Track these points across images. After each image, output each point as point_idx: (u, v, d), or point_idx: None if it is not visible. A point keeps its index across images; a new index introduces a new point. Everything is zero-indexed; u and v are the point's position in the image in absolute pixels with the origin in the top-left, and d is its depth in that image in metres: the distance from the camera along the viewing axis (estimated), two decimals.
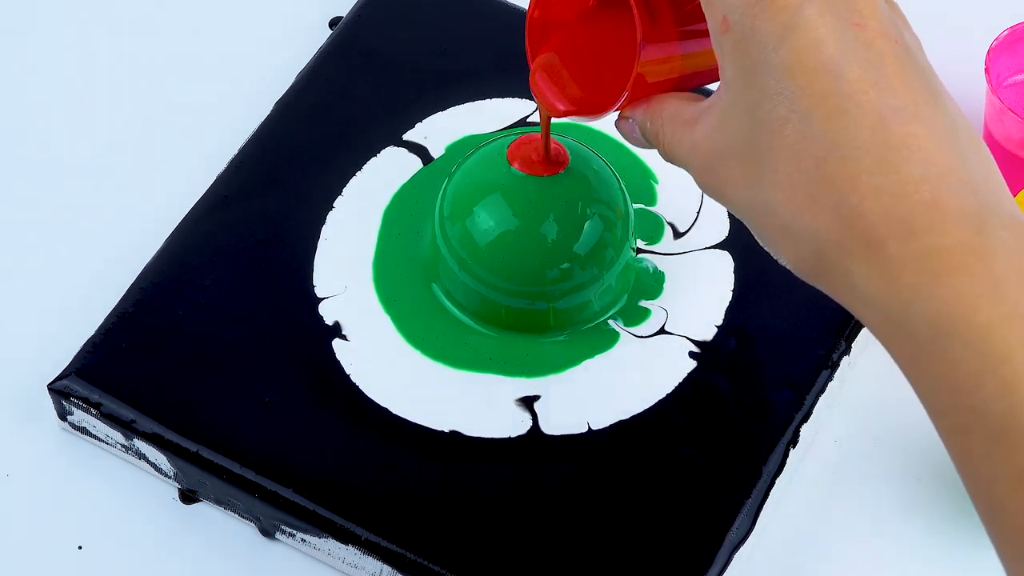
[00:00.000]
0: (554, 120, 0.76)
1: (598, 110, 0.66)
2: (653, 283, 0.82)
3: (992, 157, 0.59)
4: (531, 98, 0.87)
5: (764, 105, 0.58)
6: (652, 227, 0.83)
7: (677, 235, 0.83)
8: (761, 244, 0.61)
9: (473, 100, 0.88)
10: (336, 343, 0.80)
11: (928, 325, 0.55)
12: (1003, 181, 0.58)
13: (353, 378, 0.78)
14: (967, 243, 0.55)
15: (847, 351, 0.80)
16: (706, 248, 0.83)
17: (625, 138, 0.67)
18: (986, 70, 0.85)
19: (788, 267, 0.60)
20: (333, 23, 0.93)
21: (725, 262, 0.82)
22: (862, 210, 0.56)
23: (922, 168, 0.56)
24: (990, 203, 0.56)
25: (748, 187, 0.60)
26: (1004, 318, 0.54)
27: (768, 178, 0.58)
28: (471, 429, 0.77)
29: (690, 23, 0.63)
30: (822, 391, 0.79)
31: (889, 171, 0.56)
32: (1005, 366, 0.53)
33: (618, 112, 0.66)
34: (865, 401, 0.81)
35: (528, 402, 0.78)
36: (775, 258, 0.61)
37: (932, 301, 0.55)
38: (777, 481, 0.76)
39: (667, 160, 0.64)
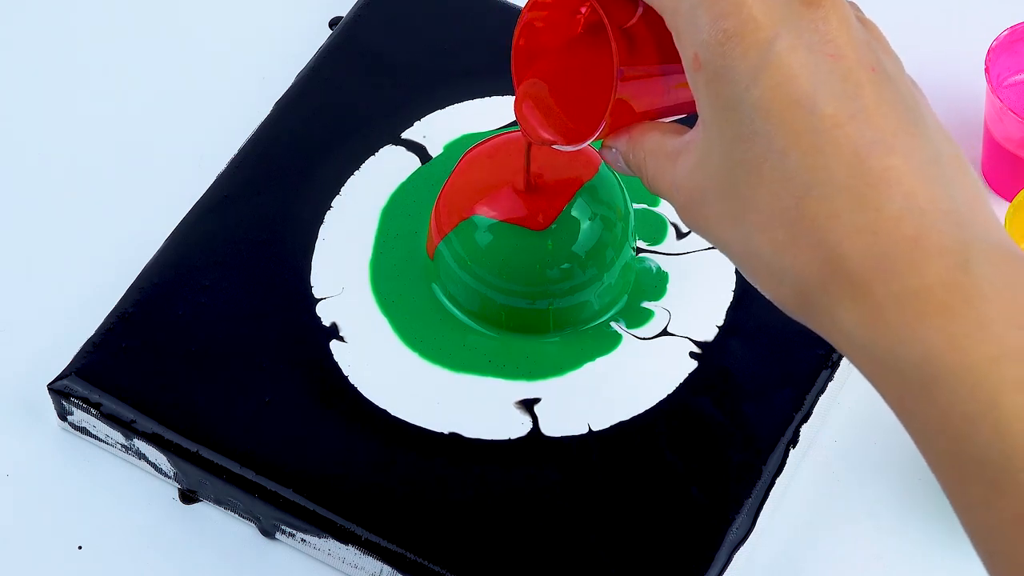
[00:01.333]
0: None
1: (579, 138, 0.66)
2: (656, 283, 0.82)
3: (979, 182, 0.57)
4: None
5: (741, 144, 0.57)
6: (655, 227, 0.83)
7: (680, 235, 0.83)
8: (749, 281, 0.60)
9: (472, 99, 0.88)
10: (334, 344, 0.79)
11: (915, 369, 0.53)
12: (989, 207, 0.57)
13: (351, 379, 0.78)
14: (951, 281, 0.53)
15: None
16: (709, 248, 0.83)
17: (611, 167, 0.66)
18: (986, 70, 0.85)
19: (776, 304, 0.59)
20: (333, 23, 0.93)
21: (727, 262, 0.82)
22: (843, 251, 0.55)
23: (902, 203, 0.55)
24: (975, 234, 0.55)
25: (729, 226, 0.58)
26: (991, 360, 0.52)
27: (749, 218, 0.57)
28: (471, 431, 0.77)
29: (672, 53, 0.62)
30: (822, 391, 0.79)
31: (868, 208, 0.55)
32: (996, 410, 0.52)
33: (602, 142, 0.66)
34: (865, 401, 0.81)
35: (528, 404, 0.78)
36: (764, 295, 0.60)
37: (917, 344, 0.53)
38: (777, 481, 0.76)
39: (651, 192, 0.63)
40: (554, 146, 0.67)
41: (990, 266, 0.54)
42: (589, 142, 0.65)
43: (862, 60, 0.57)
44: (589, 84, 0.66)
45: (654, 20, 0.61)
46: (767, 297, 0.59)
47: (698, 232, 0.61)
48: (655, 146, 0.63)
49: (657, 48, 0.62)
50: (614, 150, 0.65)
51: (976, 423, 0.52)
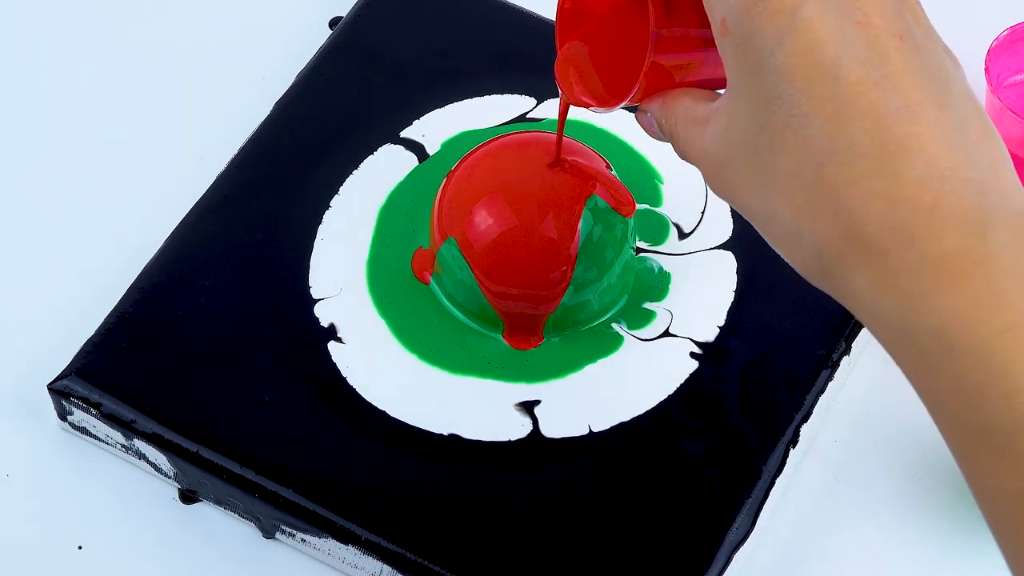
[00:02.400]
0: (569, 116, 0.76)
1: (615, 100, 0.66)
2: (659, 284, 0.81)
3: (1005, 152, 0.57)
4: (529, 95, 0.87)
5: (766, 109, 0.57)
6: (657, 228, 0.83)
7: (682, 235, 0.83)
8: (771, 247, 0.60)
9: (472, 97, 0.88)
10: (332, 346, 0.79)
11: (930, 337, 0.54)
12: (1014, 176, 0.57)
13: (350, 381, 0.78)
14: (968, 249, 0.53)
15: (847, 351, 0.80)
16: (711, 248, 0.83)
17: (645, 131, 0.66)
18: (986, 70, 0.85)
19: (796, 270, 0.60)
20: (333, 23, 0.93)
21: (729, 262, 0.82)
22: (861, 216, 0.55)
23: (923, 170, 0.55)
24: (997, 202, 0.55)
25: (753, 192, 0.59)
26: (1005, 328, 0.52)
27: (771, 183, 0.58)
28: (470, 432, 0.77)
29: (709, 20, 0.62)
30: (822, 391, 0.79)
31: (888, 175, 0.55)
32: (1007, 379, 0.52)
33: (638, 106, 0.66)
34: (865, 401, 0.81)
35: (528, 406, 0.78)
36: (786, 261, 0.60)
37: (933, 312, 0.53)
38: (777, 481, 0.76)
39: (682, 158, 0.64)
40: (591, 108, 0.68)
41: (1009, 234, 0.54)
42: (624, 104, 0.65)
43: (889, 27, 0.56)
44: (628, 48, 0.66)
45: None
46: (789, 262, 0.59)
47: (724, 198, 0.61)
48: (686, 111, 0.63)
49: (696, 15, 0.62)
50: (648, 115, 0.65)
51: (987, 392, 0.52)
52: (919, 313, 0.54)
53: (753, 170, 0.58)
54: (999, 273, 0.53)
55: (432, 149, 0.86)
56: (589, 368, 0.79)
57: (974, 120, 0.57)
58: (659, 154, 0.85)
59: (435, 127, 0.86)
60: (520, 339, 0.80)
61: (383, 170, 0.85)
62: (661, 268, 0.82)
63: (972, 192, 0.54)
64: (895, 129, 0.55)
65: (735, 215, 0.83)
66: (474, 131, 0.86)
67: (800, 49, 0.56)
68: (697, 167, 0.62)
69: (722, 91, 0.61)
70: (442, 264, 0.80)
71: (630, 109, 0.67)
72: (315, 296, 0.81)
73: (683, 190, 0.84)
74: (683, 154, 0.63)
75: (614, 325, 0.80)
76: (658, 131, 0.65)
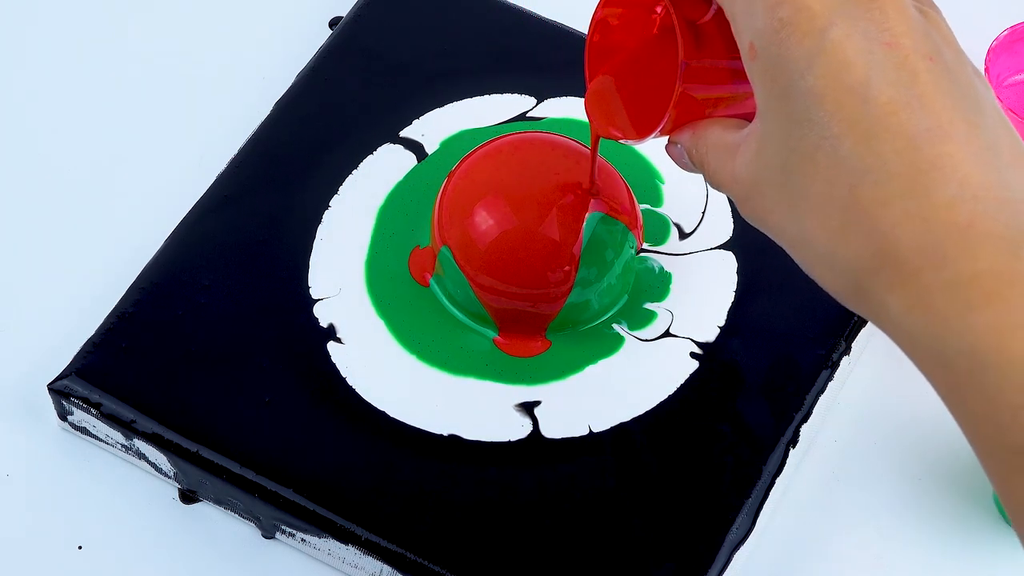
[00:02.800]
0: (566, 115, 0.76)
1: (645, 132, 0.66)
2: (659, 284, 0.81)
3: None
4: (529, 94, 0.87)
5: (796, 132, 0.57)
6: (658, 228, 0.83)
7: (683, 236, 0.83)
8: (805, 271, 0.60)
9: (472, 97, 0.87)
10: (331, 346, 0.79)
11: (964, 358, 0.53)
12: None
13: (349, 381, 0.78)
14: (1002, 269, 0.53)
15: (847, 351, 0.80)
16: (711, 248, 0.83)
17: (676, 163, 0.66)
18: (986, 70, 0.85)
19: (830, 293, 0.59)
20: (333, 23, 0.93)
21: (729, 262, 0.82)
22: (894, 237, 0.55)
23: (956, 189, 0.54)
24: None
25: (785, 216, 0.59)
26: None
27: (803, 206, 0.57)
28: (470, 433, 0.77)
29: (738, 51, 0.62)
30: (822, 391, 0.79)
31: (920, 195, 0.54)
32: None
33: (668, 138, 0.66)
34: (865, 401, 0.81)
35: (528, 407, 0.78)
36: (820, 285, 0.60)
37: (967, 333, 0.53)
38: (777, 481, 0.76)
39: (713, 187, 0.63)
40: (621, 140, 0.68)
41: None
42: (654, 135, 0.65)
43: (919, 48, 0.56)
44: (658, 81, 0.67)
45: (725, 20, 0.62)
46: (822, 286, 0.59)
47: (756, 223, 0.61)
48: (716, 140, 0.63)
49: (725, 46, 0.62)
50: (679, 146, 0.65)
51: (1021, 414, 0.52)
52: (953, 333, 0.54)
53: (785, 194, 0.58)
54: None
55: (431, 148, 0.86)
56: (589, 369, 0.79)
57: (1006, 140, 0.57)
58: (661, 154, 0.85)
59: (434, 126, 0.86)
60: (520, 344, 0.79)
61: (382, 170, 0.85)
62: (662, 268, 0.82)
63: (1006, 212, 0.54)
64: (927, 149, 0.55)
65: (735, 215, 0.83)
66: (473, 130, 0.86)
67: (829, 71, 0.56)
68: (729, 194, 0.62)
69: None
70: (443, 264, 0.80)
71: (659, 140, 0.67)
72: (314, 296, 0.81)
73: (684, 190, 0.84)
74: (714, 182, 0.63)
75: (615, 326, 0.80)
76: (688, 162, 0.65)
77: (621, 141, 0.68)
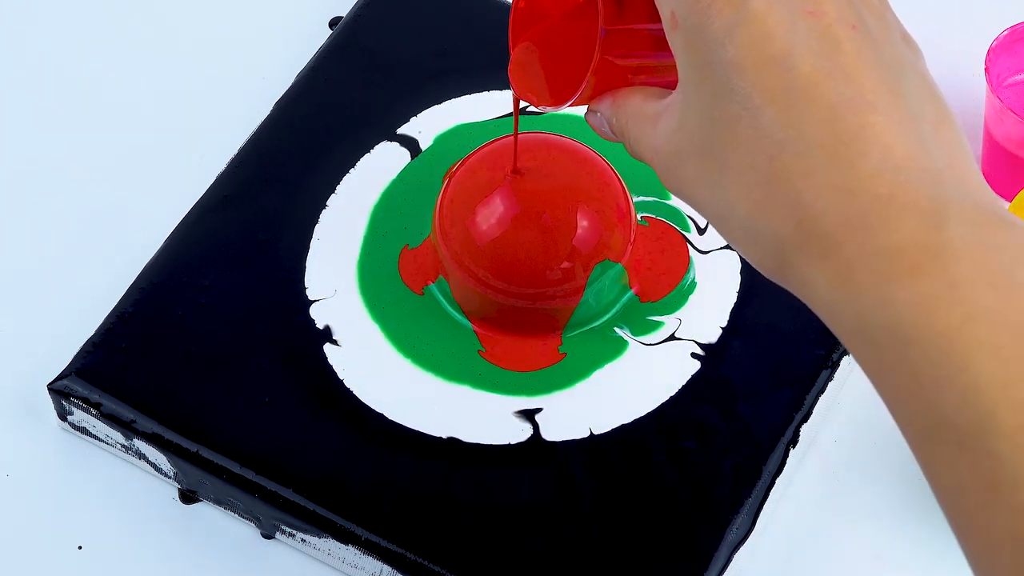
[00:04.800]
0: (552, 114, 0.76)
1: (564, 98, 0.66)
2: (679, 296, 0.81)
3: (963, 140, 0.56)
4: None
5: (717, 104, 0.56)
6: (676, 221, 0.83)
7: (701, 231, 0.83)
8: (727, 243, 0.59)
9: (470, 93, 0.87)
10: (328, 348, 0.79)
11: (886, 332, 0.52)
12: (973, 166, 0.56)
13: (347, 383, 0.78)
14: (924, 240, 0.52)
15: (847, 351, 0.80)
16: (711, 250, 0.82)
17: (595, 132, 0.65)
18: (986, 70, 0.85)
19: (753, 266, 0.58)
20: (333, 23, 0.93)
21: (733, 262, 0.82)
22: (816, 209, 0.54)
23: (879, 160, 0.53)
24: (954, 192, 0.53)
25: (707, 187, 0.58)
26: (962, 321, 0.51)
27: (725, 178, 0.56)
28: (469, 436, 0.77)
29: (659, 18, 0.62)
30: (822, 391, 0.79)
31: (843, 166, 0.54)
32: (964, 374, 0.51)
33: (589, 107, 0.66)
34: (865, 400, 0.81)
35: (529, 414, 0.78)
36: (742, 256, 0.59)
37: (889, 307, 0.52)
38: (777, 481, 0.76)
39: (634, 157, 0.63)
40: (540, 107, 0.68)
41: (966, 225, 0.52)
42: (572, 101, 0.65)
43: (842, 17, 0.55)
44: (580, 47, 0.66)
45: None
46: (746, 259, 0.58)
47: (677, 194, 0.60)
48: (636, 109, 0.62)
49: (648, 14, 0.62)
50: (599, 114, 0.64)
51: (944, 387, 0.51)
52: (875, 308, 0.52)
53: (706, 165, 0.57)
54: (956, 265, 0.52)
55: (427, 144, 0.85)
56: (593, 375, 0.79)
57: (930, 108, 0.56)
58: None
59: (431, 123, 0.86)
60: (515, 356, 0.79)
61: (378, 168, 0.85)
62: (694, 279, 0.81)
63: (928, 183, 0.53)
64: (849, 119, 0.54)
65: None
66: (469, 124, 0.86)
67: (749, 41, 0.55)
68: (650, 165, 0.61)
69: None
70: (444, 264, 0.80)
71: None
72: (311, 298, 0.81)
73: None
74: (634, 152, 0.62)
75: (617, 329, 0.80)
76: (608, 131, 0.64)
77: (540, 108, 0.67)
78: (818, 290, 0.54)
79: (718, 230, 0.59)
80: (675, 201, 0.83)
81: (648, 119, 0.61)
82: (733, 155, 0.56)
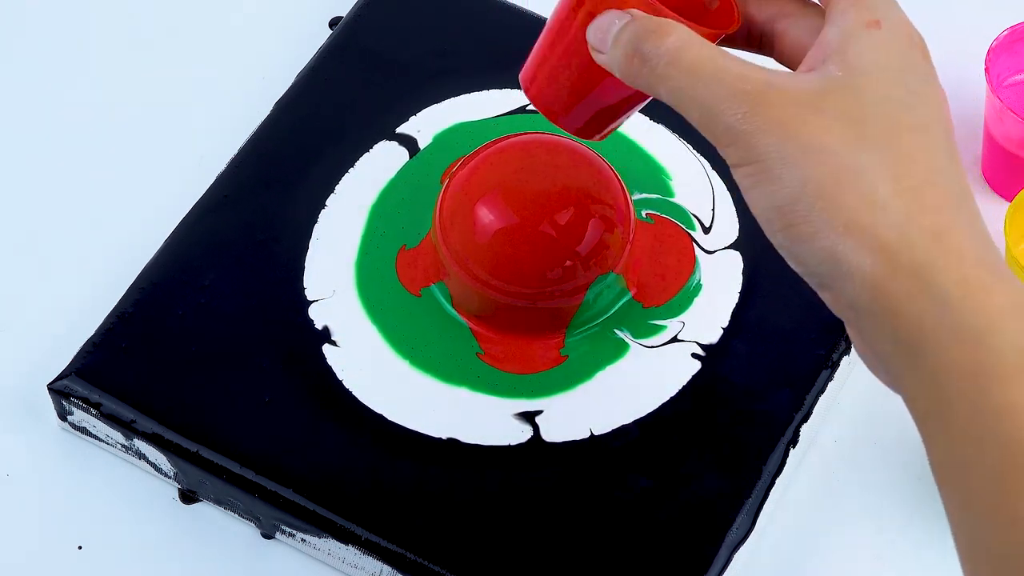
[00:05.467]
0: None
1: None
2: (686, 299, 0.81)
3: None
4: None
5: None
6: (681, 219, 0.83)
7: (706, 230, 0.83)
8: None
9: (469, 92, 0.87)
10: (327, 348, 0.79)
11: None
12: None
13: (346, 384, 0.78)
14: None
15: (847, 351, 0.80)
16: (713, 250, 0.82)
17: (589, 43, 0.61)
18: (986, 70, 0.85)
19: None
20: (333, 23, 0.93)
21: (736, 263, 0.82)
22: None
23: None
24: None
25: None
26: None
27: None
28: (469, 437, 0.77)
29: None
30: (822, 391, 0.79)
31: None
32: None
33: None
34: (865, 400, 0.81)
35: (529, 416, 0.78)
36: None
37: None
38: (777, 481, 0.76)
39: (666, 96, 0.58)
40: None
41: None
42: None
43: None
44: None
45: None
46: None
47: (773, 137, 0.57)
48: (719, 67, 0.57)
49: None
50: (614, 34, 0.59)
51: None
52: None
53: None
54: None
55: (425, 143, 0.85)
56: (596, 376, 0.79)
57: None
58: (665, 152, 0.85)
59: (430, 122, 0.86)
60: (537, 356, 0.79)
61: (377, 167, 0.85)
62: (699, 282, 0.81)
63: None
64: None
65: (740, 214, 0.83)
66: (467, 123, 0.86)
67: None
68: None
69: None
70: (445, 264, 0.80)
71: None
72: (309, 298, 0.81)
73: (690, 188, 0.84)
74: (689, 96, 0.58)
75: (618, 332, 0.80)
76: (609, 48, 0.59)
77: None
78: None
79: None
80: (679, 199, 0.83)
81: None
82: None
